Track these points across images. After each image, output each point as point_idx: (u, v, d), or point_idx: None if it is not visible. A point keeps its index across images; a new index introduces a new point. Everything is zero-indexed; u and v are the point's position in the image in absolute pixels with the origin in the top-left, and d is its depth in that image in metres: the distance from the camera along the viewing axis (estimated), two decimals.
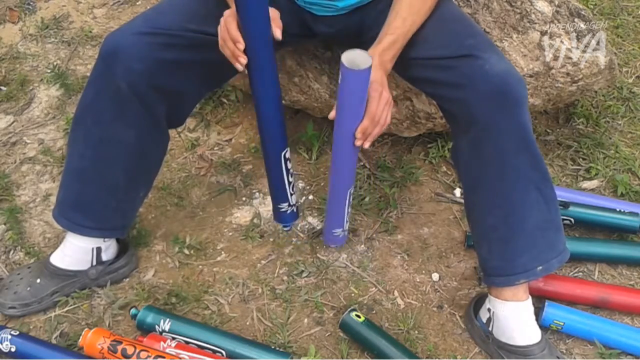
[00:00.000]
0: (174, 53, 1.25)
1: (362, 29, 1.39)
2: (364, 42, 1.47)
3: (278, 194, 1.39)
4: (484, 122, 1.18)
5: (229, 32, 1.13)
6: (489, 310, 1.35)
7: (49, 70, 2.05)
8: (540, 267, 1.28)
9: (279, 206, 1.41)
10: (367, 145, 1.16)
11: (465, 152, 1.27)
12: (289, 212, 1.42)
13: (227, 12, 1.16)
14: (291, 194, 1.39)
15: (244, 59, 1.13)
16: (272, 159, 1.32)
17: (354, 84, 1.08)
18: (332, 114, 1.15)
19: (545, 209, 1.26)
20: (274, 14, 1.15)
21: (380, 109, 1.14)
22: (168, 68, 1.25)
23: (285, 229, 1.54)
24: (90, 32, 2.19)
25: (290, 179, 1.36)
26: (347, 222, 1.40)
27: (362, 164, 1.76)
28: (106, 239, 1.45)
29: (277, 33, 1.14)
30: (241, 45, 1.12)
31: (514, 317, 1.32)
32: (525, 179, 1.23)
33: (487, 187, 1.26)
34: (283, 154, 1.31)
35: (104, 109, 1.29)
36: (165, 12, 1.30)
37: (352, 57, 1.06)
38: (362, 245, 1.59)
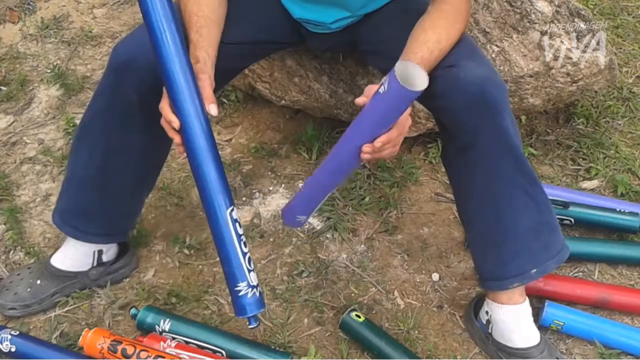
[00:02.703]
0: None
1: (355, 44, 1.41)
2: (358, 52, 1.48)
3: (231, 271, 1.08)
4: (467, 129, 1.17)
5: (164, 115, 1.12)
6: (487, 312, 1.35)
7: (49, 70, 2.05)
8: (535, 270, 1.28)
9: (236, 288, 1.08)
10: (366, 157, 1.09)
11: (453, 159, 1.28)
12: (249, 295, 1.08)
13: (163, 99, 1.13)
14: (249, 270, 1.08)
15: (178, 138, 1.11)
16: (215, 221, 1.08)
17: (402, 101, 1.01)
18: (360, 100, 1.09)
19: (536, 211, 1.26)
20: (206, 91, 1.12)
21: (405, 130, 1.11)
22: None
23: (250, 327, 1.11)
24: (90, 32, 2.19)
25: (245, 249, 1.08)
26: (314, 213, 1.31)
27: (362, 164, 1.76)
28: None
29: (213, 110, 1.11)
30: (175, 124, 1.09)
31: (511, 320, 1.32)
32: (511, 183, 1.22)
33: (476, 194, 1.26)
34: (228, 212, 1.08)
35: (113, 119, 1.28)
36: None
37: (406, 69, 0.97)
38: (362, 245, 1.59)
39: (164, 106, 1.12)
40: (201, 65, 1.14)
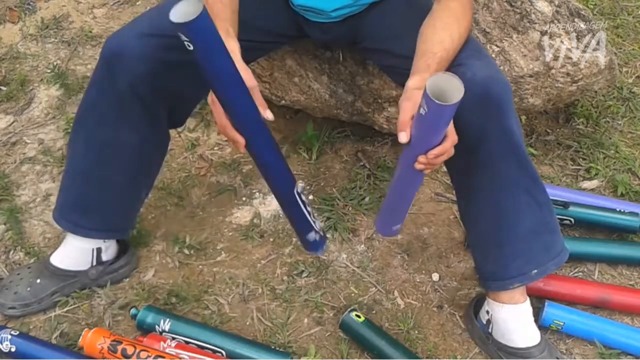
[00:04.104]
0: (177, 55, 1.23)
1: (356, 37, 1.40)
2: (359, 49, 1.48)
3: (302, 226, 1.32)
4: (472, 129, 1.17)
5: (229, 136, 1.12)
6: (487, 312, 1.35)
7: (49, 70, 2.05)
8: (536, 271, 1.28)
9: (307, 237, 1.33)
10: (420, 167, 1.09)
11: (456, 159, 1.27)
12: (317, 239, 1.34)
13: (212, 100, 1.11)
14: (314, 222, 1.32)
15: (243, 150, 1.13)
16: (284, 197, 1.28)
17: (444, 117, 1.00)
18: (403, 139, 1.08)
19: (538, 212, 1.26)
20: (259, 98, 1.11)
21: (456, 138, 1.09)
22: (171, 70, 1.24)
23: (318, 253, 1.46)
24: (90, 32, 2.19)
25: (309, 209, 1.29)
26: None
27: (362, 164, 1.76)
28: (107, 240, 1.45)
29: (268, 115, 1.11)
30: (241, 143, 1.11)
31: (512, 319, 1.32)
32: (514, 183, 1.22)
33: (478, 193, 1.26)
34: (295, 190, 1.25)
35: (106, 111, 1.28)
36: (167, 13, 1.28)
37: (438, 83, 0.96)
38: (362, 245, 1.59)
39: (226, 126, 1.10)
40: (239, 59, 1.10)
